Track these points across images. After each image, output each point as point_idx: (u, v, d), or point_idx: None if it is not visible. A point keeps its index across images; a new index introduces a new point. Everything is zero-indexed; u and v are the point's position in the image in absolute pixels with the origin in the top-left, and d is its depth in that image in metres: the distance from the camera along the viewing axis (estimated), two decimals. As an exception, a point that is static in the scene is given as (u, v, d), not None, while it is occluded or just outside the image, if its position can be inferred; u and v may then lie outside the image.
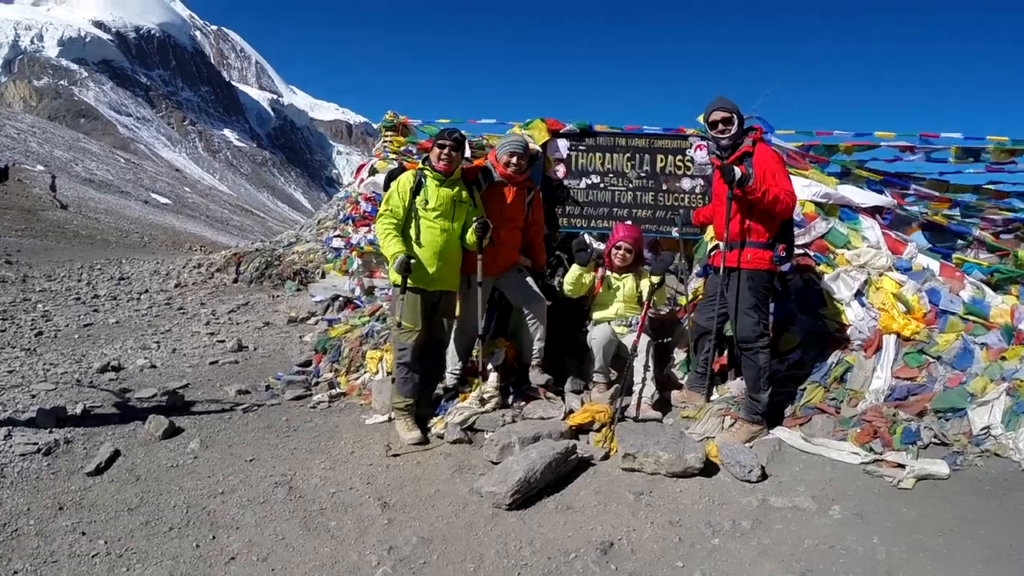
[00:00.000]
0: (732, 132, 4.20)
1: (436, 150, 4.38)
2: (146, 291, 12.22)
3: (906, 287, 4.72)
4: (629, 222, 5.39)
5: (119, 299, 11.24)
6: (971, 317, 4.51)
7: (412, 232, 4.36)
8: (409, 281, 4.28)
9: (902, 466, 3.56)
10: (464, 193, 4.52)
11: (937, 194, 5.75)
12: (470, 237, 4.44)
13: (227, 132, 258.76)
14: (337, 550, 3.10)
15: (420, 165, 4.45)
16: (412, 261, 4.17)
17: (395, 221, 4.32)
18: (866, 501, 3.38)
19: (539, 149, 5.42)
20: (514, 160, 4.66)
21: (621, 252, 4.94)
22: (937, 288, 4.70)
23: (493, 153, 4.80)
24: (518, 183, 4.77)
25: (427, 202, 4.35)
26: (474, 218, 4.45)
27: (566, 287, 5.03)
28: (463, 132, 4.57)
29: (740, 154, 4.17)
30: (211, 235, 38.12)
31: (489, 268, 4.62)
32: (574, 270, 4.96)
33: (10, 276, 12.98)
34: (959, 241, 5.55)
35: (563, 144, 5.57)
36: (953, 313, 4.54)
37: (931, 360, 4.29)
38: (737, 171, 4.01)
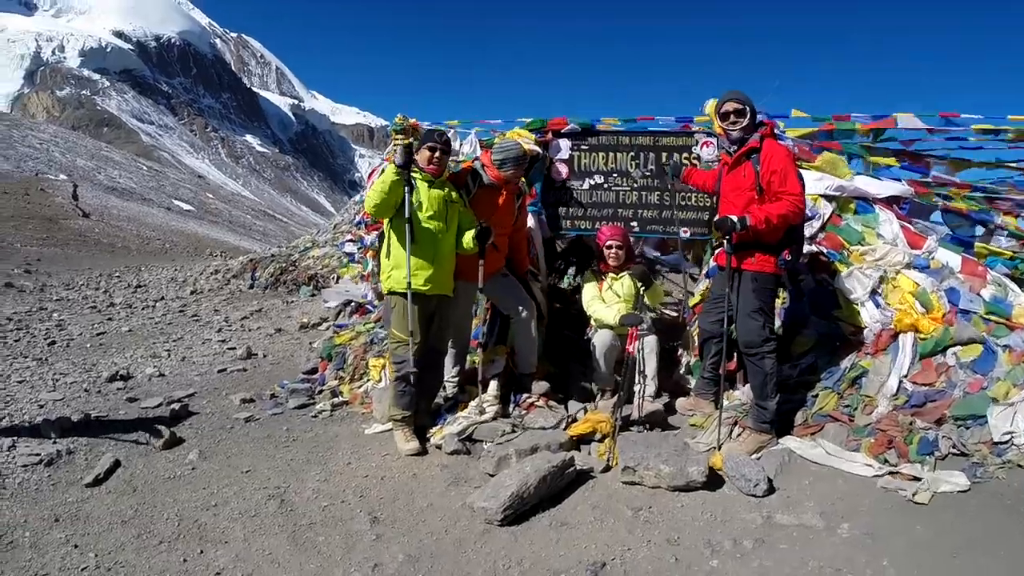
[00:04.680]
0: (743, 125, 4.06)
1: (426, 153, 4.30)
2: (162, 298, 12.29)
3: (924, 286, 4.50)
4: (634, 225, 5.28)
5: (134, 307, 11.32)
6: (993, 317, 4.27)
7: (407, 235, 4.19)
8: (412, 283, 4.16)
9: (918, 479, 3.37)
10: (454, 194, 4.44)
11: (957, 180, 5.50)
12: (468, 241, 4.33)
13: (249, 138, 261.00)
14: (322, 567, 3.03)
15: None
16: (413, 142, 4.16)
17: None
18: (878, 518, 3.19)
19: (538, 150, 5.28)
20: (511, 172, 4.55)
21: (613, 251, 4.84)
22: (956, 287, 4.47)
23: (487, 154, 4.68)
24: (510, 189, 4.67)
25: (421, 204, 4.25)
26: (479, 221, 4.36)
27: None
28: (448, 133, 4.48)
29: (747, 150, 4.03)
30: (234, 240, 38.38)
31: (473, 274, 4.47)
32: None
33: (28, 285, 13.12)
34: (980, 228, 5.32)
35: (565, 144, 5.42)
36: (973, 313, 4.32)
37: (949, 364, 4.08)
38: (731, 219, 3.90)
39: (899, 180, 5.28)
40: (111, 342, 8.38)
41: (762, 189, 3.94)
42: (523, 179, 4.94)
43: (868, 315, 4.53)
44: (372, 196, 4.21)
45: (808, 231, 4.77)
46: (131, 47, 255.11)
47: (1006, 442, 3.53)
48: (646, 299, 4.74)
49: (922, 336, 4.25)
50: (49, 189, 34.20)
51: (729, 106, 4.09)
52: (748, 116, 4.05)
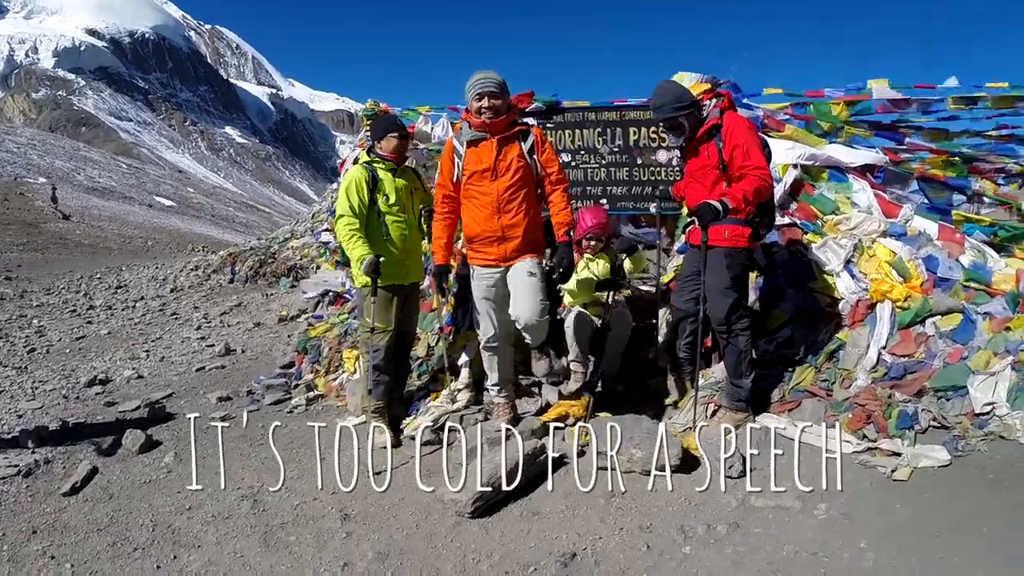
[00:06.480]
0: (692, 114, 3.91)
1: (386, 142, 4.24)
2: (142, 298, 12.13)
3: (901, 254, 4.42)
4: (603, 202, 5.17)
5: (114, 308, 11.20)
6: (972, 284, 4.19)
7: (380, 229, 4.20)
8: (380, 280, 4.12)
9: (898, 454, 3.30)
10: (417, 181, 4.42)
11: (933, 146, 5.41)
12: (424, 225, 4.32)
13: (229, 130, 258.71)
14: (293, 567, 3.01)
15: (367, 158, 4.27)
16: (381, 260, 3.97)
17: (357, 222, 4.10)
18: (856, 497, 3.09)
19: None
20: (485, 103, 3.71)
21: (591, 243, 4.73)
22: (934, 254, 4.39)
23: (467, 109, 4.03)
24: (499, 130, 3.80)
25: (387, 196, 4.19)
26: (421, 206, 4.32)
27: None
28: (402, 120, 4.40)
29: (709, 127, 3.89)
30: (217, 234, 37.92)
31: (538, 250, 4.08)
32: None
33: (8, 292, 12.93)
34: (958, 196, 5.24)
35: (530, 123, 5.32)
36: (953, 281, 4.24)
37: (929, 335, 4.01)
38: (714, 207, 3.64)
39: (873, 148, 5.21)
40: (91, 346, 8.30)
41: (725, 165, 3.82)
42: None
43: (844, 286, 4.47)
44: (340, 233, 4.12)
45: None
46: (105, 44, 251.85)
47: (987, 413, 3.43)
48: (628, 265, 4.66)
49: (899, 305, 4.18)
50: (28, 193, 33.70)
51: (668, 110, 3.90)
52: (694, 106, 3.91)
